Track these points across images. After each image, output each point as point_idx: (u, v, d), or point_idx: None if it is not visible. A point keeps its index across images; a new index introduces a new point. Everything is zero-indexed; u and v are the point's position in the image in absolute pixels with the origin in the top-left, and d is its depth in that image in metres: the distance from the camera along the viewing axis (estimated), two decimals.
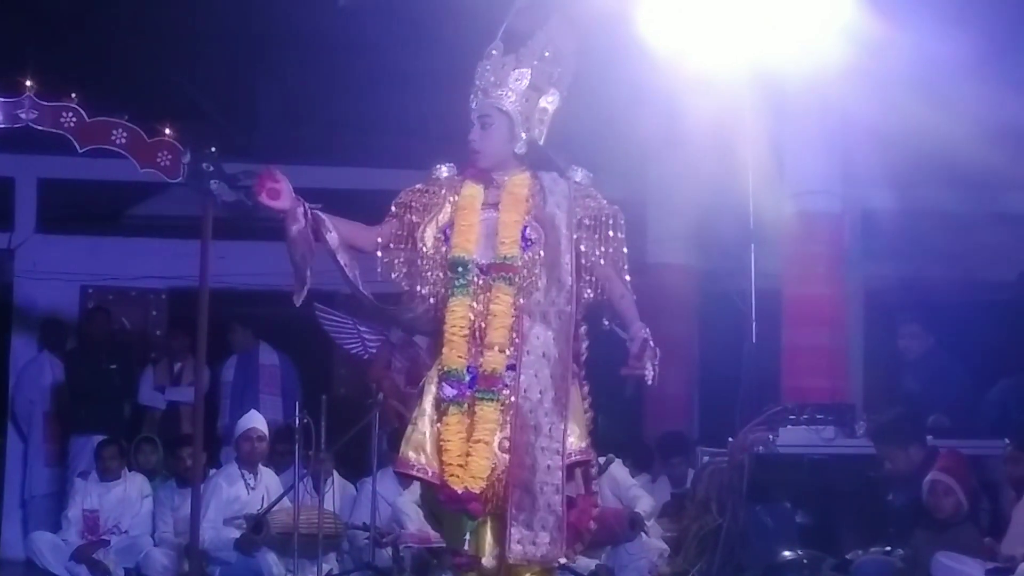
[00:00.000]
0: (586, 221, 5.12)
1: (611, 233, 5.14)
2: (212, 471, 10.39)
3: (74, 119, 9.50)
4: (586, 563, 9.12)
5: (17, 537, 11.65)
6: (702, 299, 12.13)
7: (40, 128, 9.53)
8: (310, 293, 5.52)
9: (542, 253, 5.05)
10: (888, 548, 8.08)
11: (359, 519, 10.02)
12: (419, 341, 10.69)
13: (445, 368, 5.01)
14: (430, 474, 4.97)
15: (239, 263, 11.83)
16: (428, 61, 10.42)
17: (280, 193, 5.28)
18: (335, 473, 10.15)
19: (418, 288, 5.16)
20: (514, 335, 5.01)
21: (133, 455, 11.01)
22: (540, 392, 4.95)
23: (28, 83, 9.46)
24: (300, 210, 5.31)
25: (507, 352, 5.00)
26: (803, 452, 8.77)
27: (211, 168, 9.82)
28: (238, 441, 10.23)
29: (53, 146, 9.97)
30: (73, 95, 9.54)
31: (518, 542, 4.91)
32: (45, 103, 9.49)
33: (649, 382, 4.90)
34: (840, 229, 10.25)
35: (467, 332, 5.01)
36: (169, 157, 9.67)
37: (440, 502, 4.97)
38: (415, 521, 9.68)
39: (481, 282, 5.06)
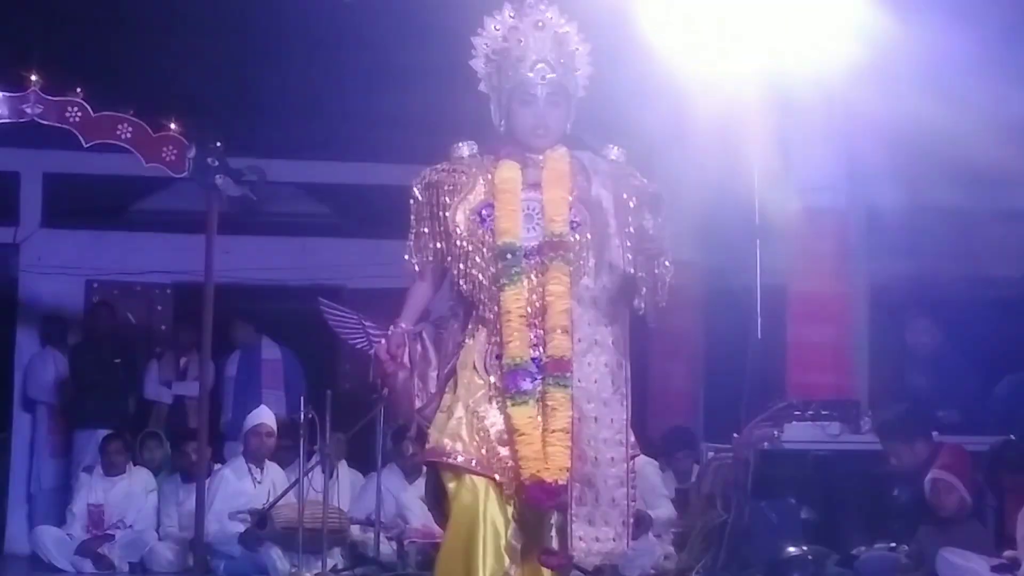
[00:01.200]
0: (631, 203, 4.84)
1: (655, 216, 4.81)
2: (217, 466, 10.40)
3: (79, 114, 9.52)
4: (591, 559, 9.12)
5: (22, 532, 11.65)
6: (707, 295, 12.11)
7: (45, 123, 9.55)
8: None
9: (590, 235, 4.78)
10: (893, 544, 8.09)
11: (363, 513, 10.04)
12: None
13: (513, 360, 4.67)
14: (472, 463, 4.66)
15: (244, 258, 11.85)
16: (432, 56, 10.39)
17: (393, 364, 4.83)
18: (344, 462, 10.14)
19: (455, 273, 4.82)
20: None
21: (139, 450, 11.04)
22: (595, 381, 4.70)
23: (33, 78, 9.47)
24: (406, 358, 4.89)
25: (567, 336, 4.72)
26: (808, 448, 8.77)
27: (216, 163, 9.84)
28: (246, 436, 10.24)
29: (58, 141, 9.99)
30: (78, 90, 9.55)
31: (580, 539, 4.65)
32: (50, 98, 9.50)
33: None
34: (846, 225, 10.25)
35: (527, 321, 4.72)
36: (174, 152, 9.69)
37: (530, 500, 4.59)
38: (420, 516, 9.71)
39: (530, 266, 4.76)
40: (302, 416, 9.46)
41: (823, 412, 8.84)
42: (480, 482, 4.66)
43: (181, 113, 9.92)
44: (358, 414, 10.06)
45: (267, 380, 11.86)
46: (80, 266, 12.58)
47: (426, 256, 4.89)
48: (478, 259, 4.78)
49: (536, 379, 4.68)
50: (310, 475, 9.74)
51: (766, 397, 9.35)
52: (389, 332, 4.80)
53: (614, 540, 4.69)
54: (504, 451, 4.66)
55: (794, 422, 8.79)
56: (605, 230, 4.78)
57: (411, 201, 4.90)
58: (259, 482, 10.09)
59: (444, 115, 7.47)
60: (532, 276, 4.75)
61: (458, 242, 4.80)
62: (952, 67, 8.87)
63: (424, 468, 5.11)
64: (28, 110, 9.50)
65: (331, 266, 12.44)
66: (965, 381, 9.46)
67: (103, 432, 11.11)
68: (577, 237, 4.77)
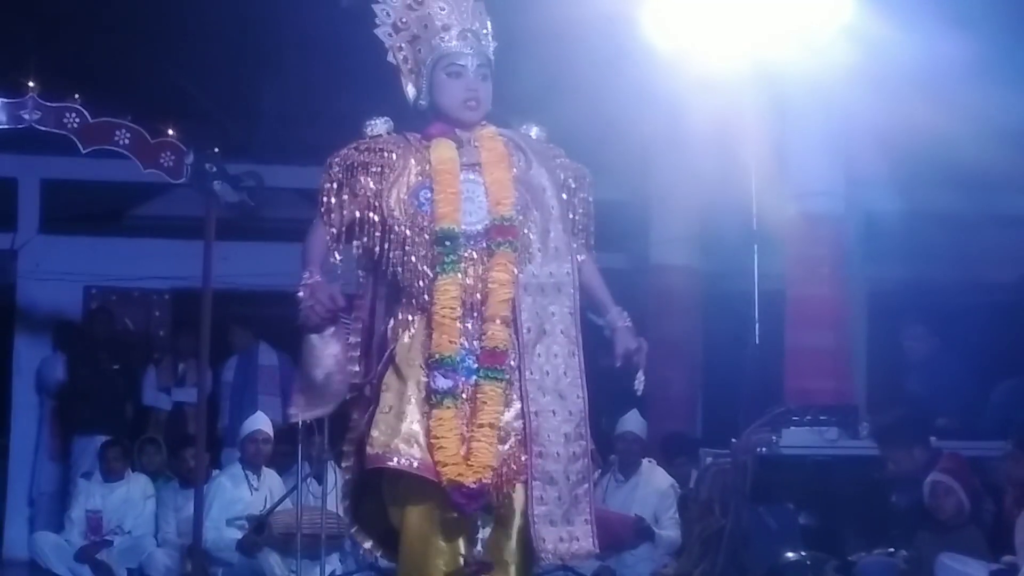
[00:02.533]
0: (571, 183, 4.67)
1: (586, 196, 4.70)
2: (215, 472, 10.40)
3: (77, 120, 9.52)
4: (589, 563, 9.12)
5: (21, 537, 11.64)
6: (705, 300, 12.13)
7: (43, 129, 9.55)
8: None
9: (534, 219, 4.54)
10: (892, 550, 8.07)
11: None
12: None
13: (437, 355, 4.38)
14: (424, 469, 4.31)
15: (242, 264, 11.83)
16: None
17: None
18: (336, 467, 10.12)
19: (391, 260, 4.47)
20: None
21: (137, 456, 11.03)
22: (547, 373, 4.44)
23: (31, 84, 9.48)
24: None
25: (509, 328, 4.45)
26: (806, 453, 8.75)
27: (214, 169, 9.83)
28: (243, 443, 10.22)
29: (56, 147, 9.99)
30: (76, 96, 9.55)
31: (544, 540, 4.38)
32: (48, 104, 9.50)
33: (639, 390, 4.53)
34: (843, 231, 10.23)
35: (459, 313, 4.43)
36: (172, 158, 9.68)
37: (454, 505, 4.30)
38: None
39: (473, 253, 4.47)
40: (300, 422, 9.43)
41: (821, 417, 8.81)
42: (432, 493, 4.34)
43: (179, 119, 9.93)
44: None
45: (264, 386, 11.85)
46: (78, 272, 12.57)
47: (340, 218, 4.53)
48: (420, 246, 4.47)
49: (458, 379, 4.39)
50: (308, 481, 9.73)
51: (764, 402, 9.34)
52: (304, 282, 4.38)
53: (579, 540, 4.45)
54: None
55: (792, 427, 8.76)
56: (549, 213, 4.57)
57: (325, 184, 4.58)
58: (256, 489, 10.07)
59: None
60: (479, 263, 4.47)
61: (396, 227, 4.48)
62: (949, 72, 8.88)
63: (343, 471, 4.73)
64: (26, 116, 9.50)
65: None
66: (962, 386, 9.45)
67: (101, 438, 11.10)
68: (522, 220, 4.53)
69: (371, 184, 4.53)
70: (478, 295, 4.46)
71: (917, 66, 8.86)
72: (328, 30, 11.32)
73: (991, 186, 10.56)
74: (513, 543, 4.46)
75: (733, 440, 8.95)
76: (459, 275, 4.44)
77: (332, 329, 4.50)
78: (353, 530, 4.75)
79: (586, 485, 4.47)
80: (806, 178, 10.08)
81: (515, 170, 4.58)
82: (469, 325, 4.46)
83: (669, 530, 9.61)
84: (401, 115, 4.73)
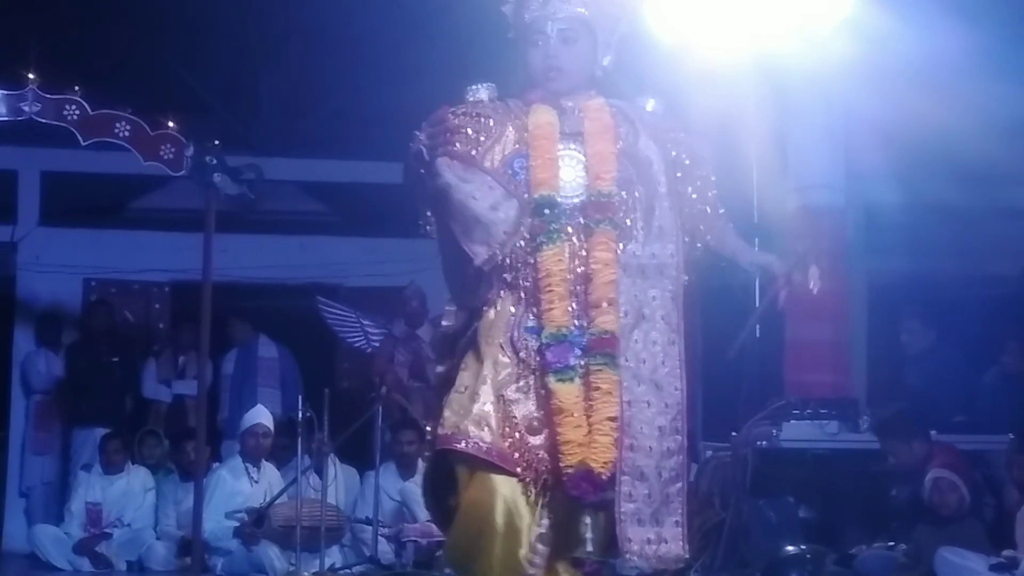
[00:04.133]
0: (684, 160, 4.31)
1: (705, 174, 4.35)
2: (215, 464, 10.40)
3: (77, 112, 9.52)
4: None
5: (20, 530, 11.63)
6: (705, 293, 12.09)
7: (43, 121, 9.55)
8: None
9: (638, 195, 4.20)
10: (891, 543, 8.08)
11: (362, 513, 10.03)
12: (421, 334, 10.71)
13: (557, 331, 4.06)
14: (494, 455, 4.03)
15: (242, 256, 11.83)
16: (432, 54, 10.40)
17: None
18: (336, 461, 10.12)
19: (480, 242, 4.10)
20: None
21: (137, 448, 11.03)
22: (644, 361, 4.17)
23: (31, 76, 9.48)
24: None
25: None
26: (806, 447, 8.76)
27: (214, 161, 9.80)
28: (243, 436, 10.22)
29: (56, 139, 9.99)
30: (76, 88, 9.56)
31: (630, 540, 4.08)
32: (48, 96, 9.50)
33: (815, 287, 4.38)
34: (843, 223, 10.23)
35: (570, 287, 4.11)
36: (172, 150, 9.68)
37: (573, 491, 3.98)
38: (421, 516, 9.71)
39: (568, 228, 4.14)
40: (300, 415, 9.45)
41: (821, 411, 8.82)
42: (501, 480, 4.04)
43: (179, 111, 9.93)
44: (356, 413, 10.06)
45: (263, 378, 11.84)
46: (78, 264, 12.57)
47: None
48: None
49: (581, 354, 4.08)
50: (308, 473, 9.74)
51: (764, 396, 9.35)
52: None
53: (668, 542, 4.17)
54: (535, 440, 4.06)
55: (792, 421, 8.78)
56: (655, 190, 4.23)
57: (417, 150, 4.11)
58: (256, 481, 10.08)
59: None
60: (574, 239, 4.15)
61: None
62: (950, 65, 8.87)
63: (423, 456, 4.48)
64: (26, 108, 9.50)
65: (329, 264, 12.43)
66: (962, 379, 9.45)
67: (101, 431, 11.10)
68: (624, 197, 4.18)
69: (468, 151, 4.15)
70: (572, 276, 4.13)
71: (918, 59, 8.86)
72: (328, 22, 11.31)
73: (992, 179, 10.55)
74: (598, 543, 4.11)
75: (733, 434, 8.95)
76: (564, 246, 4.11)
77: (468, 167, 4.10)
78: (431, 518, 4.45)
79: (680, 483, 4.21)
80: (807, 171, 10.09)
81: (621, 143, 4.24)
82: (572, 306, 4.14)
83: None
84: (403, 115, 4.58)
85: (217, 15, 11.24)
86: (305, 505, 9.49)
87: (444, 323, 4.36)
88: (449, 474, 4.17)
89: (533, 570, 4.05)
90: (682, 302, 4.33)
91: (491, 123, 4.20)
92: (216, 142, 9.92)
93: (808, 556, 8.18)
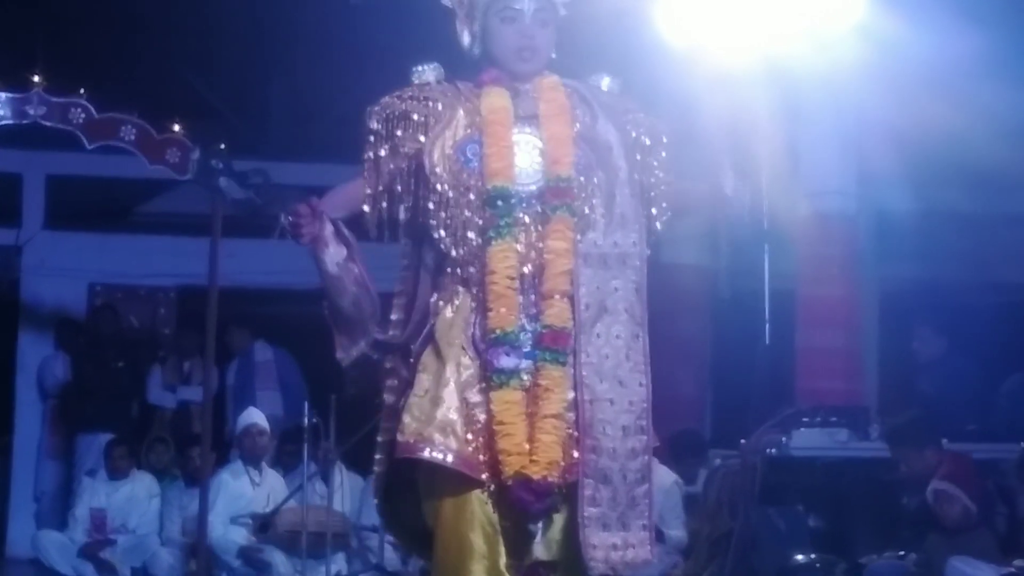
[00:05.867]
0: (645, 140, 4.15)
1: (665, 154, 4.21)
2: (218, 468, 10.37)
3: (83, 115, 9.48)
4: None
5: (25, 536, 11.57)
6: (715, 300, 12.06)
7: (49, 124, 9.51)
8: (322, 292, 4.20)
9: (597, 181, 4.04)
10: (902, 552, 8.02)
11: (368, 519, 9.98)
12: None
13: (498, 331, 3.90)
14: (460, 463, 3.89)
15: (248, 261, 11.79)
16: (438, 60, 10.36)
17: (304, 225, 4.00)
18: (343, 468, 10.08)
19: (432, 224, 3.99)
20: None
21: (145, 455, 10.99)
22: (607, 356, 3.96)
23: (37, 79, 9.44)
24: (328, 230, 4.03)
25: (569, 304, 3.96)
26: (816, 455, 8.70)
27: (220, 165, 9.80)
28: (240, 438, 10.22)
29: (62, 142, 9.95)
30: (82, 91, 9.52)
31: (595, 547, 3.91)
32: (54, 99, 9.47)
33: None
34: (855, 230, 10.18)
35: (517, 284, 3.94)
36: (178, 154, 9.64)
37: (516, 503, 3.87)
38: None
39: (525, 218, 3.98)
40: (306, 421, 9.41)
41: (832, 418, 8.76)
42: (470, 494, 3.92)
43: (185, 115, 9.89)
44: (363, 419, 10.00)
45: (261, 382, 11.82)
46: (83, 269, 12.52)
47: (377, 176, 4.08)
48: (464, 208, 3.98)
49: (524, 355, 3.93)
50: (314, 480, 9.69)
51: (774, 403, 9.29)
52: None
53: (635, 547, 3.97)
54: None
55: (802, 428, 8.71)
56: (616, 176, 4.07)
57: (368, 136, 4.08)
58: (257, 484, 10.04)
59: None
60: (532, 229, 3.99)
61: (438, 186, 3.99)
62: (962, 70, 8.83)
63: (376, 462, 4.28)
64: (31, 111, 9.46)
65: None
66: (975, 387, 9.39)
67: (105, 436, 11.05)
68: (583, 182, 4.02)
69: (412, 137, 4.04)
70: (530, 266, 3.97)
71: (930, 64, 8.80)
72: (336, 27, 11.28)
73: (1005, 185, 10.49)
74: (560, 547, 4.00)
75: (742, 441, 8.89)
76: (513, 240, 3.95)
77: (344, 253, 4.03)
78: (386, 529, 4.30)
79: (646, 485, 4.00)
80: (818, 177, 10.04)
81: (578, 125, 4.08)
82: (520, 299, 3.97)
83: (676, 529, 9.53)
84: None
85: (224, 19, 11.23)
86: (311, 511, 9.45)
87: (392, 332, 4.20)
88: (406, 483, 4.07)
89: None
90: (646, 294, 4.09)
91: (439, 106, 4.06)
92: (222, 146, 9.91)
93: (818, 565, 8.13)
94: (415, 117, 4.06)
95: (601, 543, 3.94)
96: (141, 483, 10.70)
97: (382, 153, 4.06)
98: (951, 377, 9.34)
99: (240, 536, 9.83)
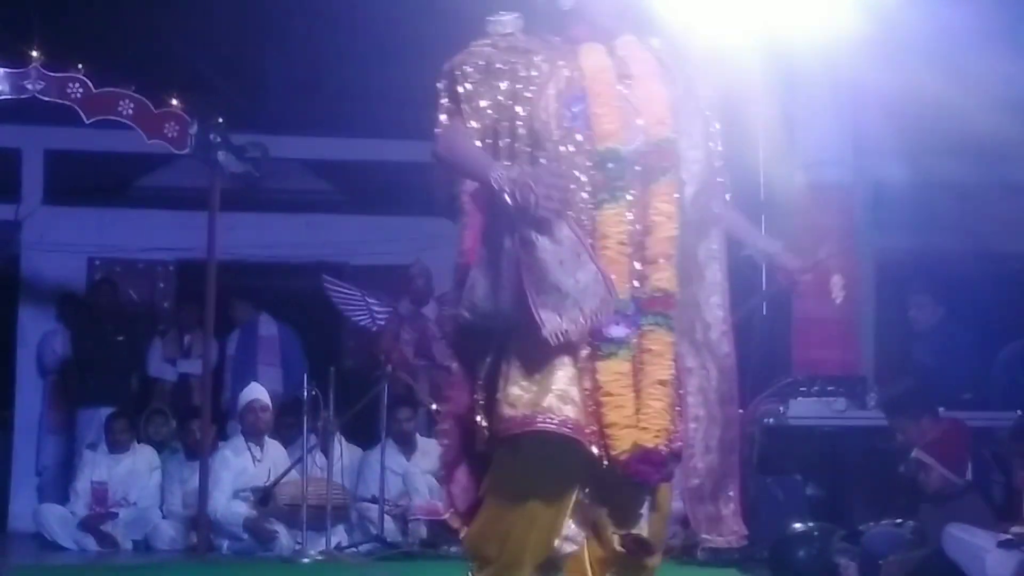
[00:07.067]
0: (715, 125, 4.00)
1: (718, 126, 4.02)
2: (220, 444, 10.39)
3: (81, 90, 9.46)
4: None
5: (27, 510, 11.59)
6: None
7: (47, 99, 9.49)
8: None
9: (686, 145, 3.89)
10: (899, 520, 8.05)
11: (366, 491, 10.02)
12: (427, 312, 10.68)
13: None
14: (576, 431, 3.66)
15: (247, 234, 11.82)
16: (437, 32, 10.34)
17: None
18: (342, 440, 10.11)
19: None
20: None
21: (144, 427, 11.02)
22: (708, 325, 3.88)
23: (35, 53, 9.42)
24: None
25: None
26: (814, 424, 8.74)
27: (218, 139, 9.82)
28: (242, 414, 10.23)
29: (60, 117, 9.94)
30: (80, 66, 9.50)
31: (694, 517, 3.87)
32: (52, 74, 9.44)
33: (839, 298, 4.14)
34: (851, 200, 10.20)
35: (629, 248, 3.75)
36: (176, 128, 9.64)
37: (634, 476, 3.70)
38: (424, 494, 9.72)
39: (632, 180, 3.79)
40: (305, 394, 9.43)
41: (829, 388, 8.80)
42: (575, 463, 3.70)
43: (183, 89, 9.88)
44: (362, 391, 10.04)
45: (264, 356, 11.83)
46: (82, 243, 12.53)
47: (485, 127, 3.75)
48: (577, 169, 3.74)
49: (633, 325, 3.75)
50: (313, 452, 9.72)
51: (771, 373, 9.31)
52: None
53: (732, 517, 3.93)
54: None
55: (800, 398, 8.76)
56: (698, 142, 3.93)
57: (453, 84, 3.79)
58: (259, 460, 10.07)
59: None
60: (632, 192, 3.80)
61: (548, 144, 3.73)
62: (958, 41, 8.83)
63: (440, 435, 3.97)
64: (29, 86, 9.44)
65: (334, 243, 12.39)
66: (971, 356, 9.42)
67: (106, 410, 11.08)
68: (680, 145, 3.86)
69: (515, 90, 3.77)
70: (637, 228, 3.78)
71: (925, 35, 8.81)
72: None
73: (1000, 155, 10.50)
74: (653, 521, 3.89)
75: (740, 411, 8.91)
76: (624, 204, 3.76)
77: (565, 227, 3.62)
78: (449, 513, 3.98)
79: (735, 455, 3.93)
80: (814, 148, 10.05)
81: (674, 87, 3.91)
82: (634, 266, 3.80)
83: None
84: (409, 93, 4.35)
85: None
86: (311, 484, 9.48)
87: (466, 314, 3.79)
88: (477, 463, 3.84)
89: (568, 546, 3.79)
90: (724, 262, 3.95)
91: (538, 59, 3.79)
92: (220, 120, 9.92)
93: (816, 533, 8.16)
94: (516, 69, 3.78)
95: (699, 515, 3.90)
96: (142, 456, 10.72)
97: (482, 104, 3.78)
98: (947, 346, 9.38)
99: (243, 509, 9.86)
